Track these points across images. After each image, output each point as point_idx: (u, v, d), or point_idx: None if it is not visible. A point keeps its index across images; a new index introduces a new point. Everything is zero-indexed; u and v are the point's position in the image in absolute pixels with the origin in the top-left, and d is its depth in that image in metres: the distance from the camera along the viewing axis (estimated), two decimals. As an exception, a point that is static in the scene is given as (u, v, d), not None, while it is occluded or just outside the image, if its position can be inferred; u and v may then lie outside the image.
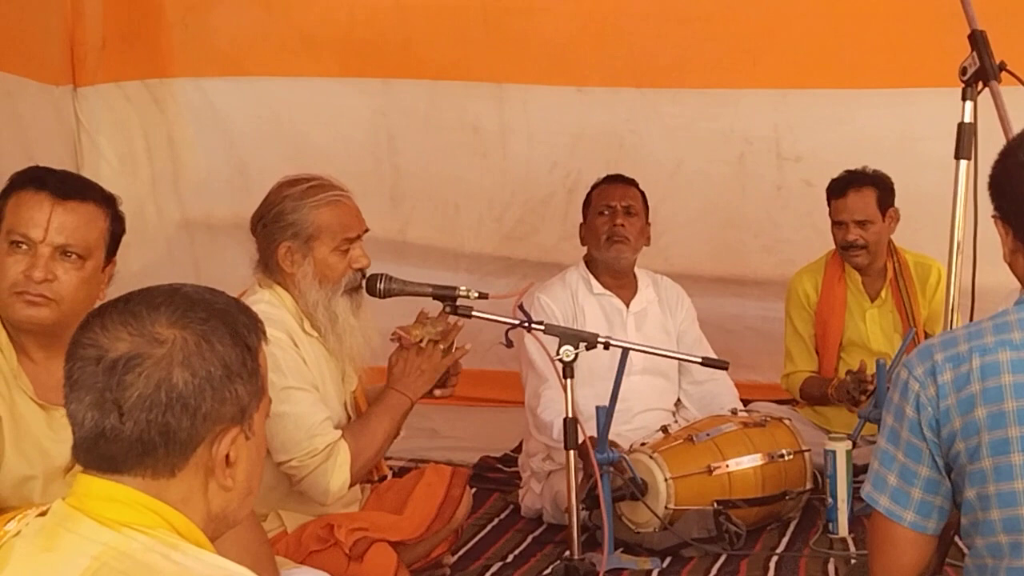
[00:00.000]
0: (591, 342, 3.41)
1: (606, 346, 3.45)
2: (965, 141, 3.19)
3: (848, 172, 4.68)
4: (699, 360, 3.53)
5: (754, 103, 5.26)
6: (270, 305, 3.25)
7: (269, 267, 3.32)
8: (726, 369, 3.54)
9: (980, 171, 3.75)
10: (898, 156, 5.15)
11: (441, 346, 3.36)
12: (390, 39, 5.41)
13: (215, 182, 5.54)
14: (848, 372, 4.48)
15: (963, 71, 3.23)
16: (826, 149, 5.22)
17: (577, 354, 3.40)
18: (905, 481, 2.35)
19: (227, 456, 1.59)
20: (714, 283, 5.24)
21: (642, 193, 4.45)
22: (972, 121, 3.21)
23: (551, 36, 5.32)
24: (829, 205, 4.69)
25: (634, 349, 3.59)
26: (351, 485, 3.27)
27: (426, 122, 5.50)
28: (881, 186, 4.66)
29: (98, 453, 1.55)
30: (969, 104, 3.21)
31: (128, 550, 1.49)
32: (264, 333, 1.69)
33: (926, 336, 4.64)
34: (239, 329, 1.62)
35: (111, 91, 5.42)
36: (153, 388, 1.53)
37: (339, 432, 3.23)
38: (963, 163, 3.23)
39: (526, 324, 3.45)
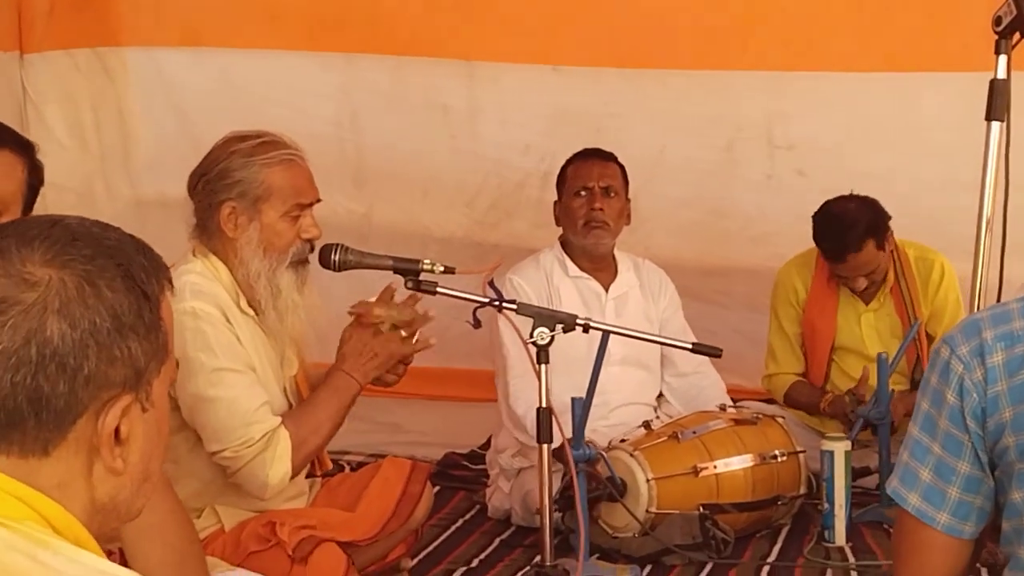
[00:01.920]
0: (568, 323, 3.03)
1: (585, 328, 3.07)
2: (998, 100, 2.84)
3: (835, 224, 4.16)
4: (689, 346, 3.15)
5: (744, 86, 4.88)
6: (202, 277, 2.88)
7: (207, 231, 2.95)
8: (719, 356, 3.17)
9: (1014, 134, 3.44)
10: (898, 144, 4.84)
11: (403, 333, 2.98)
12: (355, 12, 5.03)
13: (168, 159, 5.12)
14: (849, 391, 4.12)
15: (997, 20, 2.89)
16: (821, 137, 4.87)
17: (552, 337, 3.02)
18: (941, 478, 2.00)
19: (117, 431, 1.24)
20: (697, 275, 4.86)
21: (621, 168, 4.10)
22: (1006, 78, 2.84)
23: (526, 11, 4.95)
24: (824, 256, 4.29)
25: (617, 332, 3.21)
26: (292, 477, 2.88)
27: (392, 100, 5.11)
28: (876, 230, 4.19)
29: None
30: (1003, 58, 2.85)
31: None
32: (170, 281, 1.33)
33: (928, 339, 4.28)
34: (134, 271, 1.27)
35: (59, 59, 5.05)
36: (21, 342, 1.19)
37: (278, 419, 2.86)
38: (995, 125, 2.88)
39: (497, 303, 3.07)
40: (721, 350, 3.16)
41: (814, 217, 4.24)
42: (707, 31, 4.88)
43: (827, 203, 4.23)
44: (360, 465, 4.42)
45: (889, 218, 4.24)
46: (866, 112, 4.86)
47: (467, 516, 4.09)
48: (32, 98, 5.00)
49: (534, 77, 4.98)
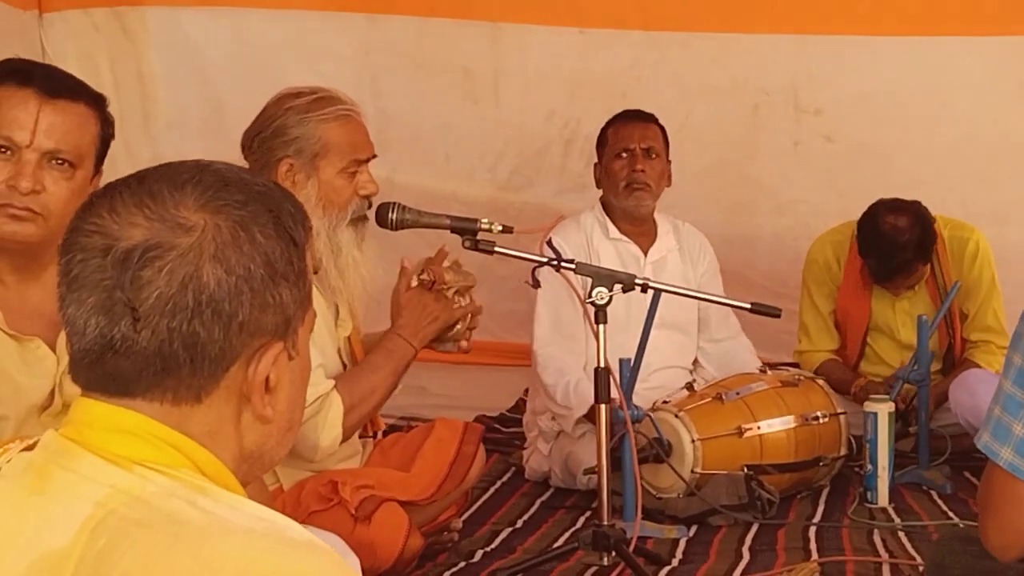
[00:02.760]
0: (628, 283, 3.02)
1: (644, 288, 3.06)
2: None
3: (884, 246, 4.05)
4: (748, 306, 3.15)
5: (770, 50, 4.88)
6: None
7: None
8: (778, 316, 3.16)
9: None
10: (925, 109, 4.87)
11: (460, 300, 2.97)
12: (377, -28, 4.99)
13: (188, 120, 5.10)
14: (885, 380, 4.12)
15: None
16: (848, 102, 4.88)
17: (611, 297, 3.01)
18: None
19: (267, 379, 1.23)
20: (722, 244, 4.83)
21: (662, 129, 4.09)
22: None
23: (553, -29, 4.92)
24: (868, 272, 4.22)
25: (675, 292, 3.20)
26: (343, 441, 2.87)
27: (413, 63, 5.07)
28: (925, 250, 4.12)
29: (104, 370, 1.18)
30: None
31: (143, 494, 1.12)
32: (311, 228, 1.32)
33: (962, 315, 4.27)
34: (284, 218, 1.25)
35: (78, 18, 4.97)
36: (177, 287, 1.17)
37: (331, 382, 2.84)
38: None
39: (555, 262, 3.05)
40: (780, 310, 3.16)
41: (861, 225, 4.17)
42: (732, -7, 4.87)
43: (876, 214, 4.11)
44: (392, 429, 4.41)
45: (933, 220, 4.16)
46: (892, 76, 4.86)
47: (504, 478, 4.08)
48: (51, 58, 4.92)
49: (560, 39, 4.95)
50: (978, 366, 4.16)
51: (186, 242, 1.18)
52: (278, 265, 1.23)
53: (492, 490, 3.94)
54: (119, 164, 5.00)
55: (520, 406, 4.51)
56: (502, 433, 4.50)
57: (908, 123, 4.85)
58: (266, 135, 2.92)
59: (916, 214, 4.09)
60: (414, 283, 2.97)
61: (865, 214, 4.17)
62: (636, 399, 3.67)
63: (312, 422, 2.80)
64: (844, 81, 4.87)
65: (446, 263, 3.01)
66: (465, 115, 5.12)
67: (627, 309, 3.87)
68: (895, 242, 4.05)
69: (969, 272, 4.24)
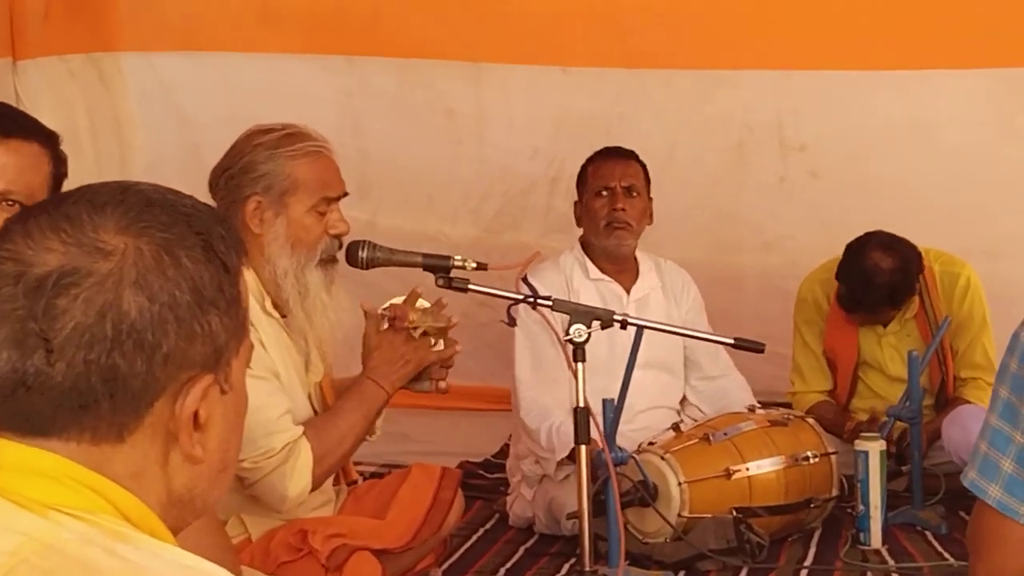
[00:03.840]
0: (606, 319, 2.93)
1: (623, 324, 2.97)
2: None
3: (859, 279, 3.98)
4: (731, 341, 3.06)
5: (755, 85, 4.80)
6: None
7: None
8: (762, 352, 3.07)
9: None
10: (912, 144, 4.77)
11: (432, 341, 2.88)
12: (357, 13, 4.91)
13: (166, 166, 5.01)
14: (870, 420, 4.02)
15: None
16: (834, 137, 4.79)
17: (590, 334, 2.92)
18: None
19: (196, 414, 1.15)
20: (707, 282, 4.75)
21: (643, 166, 4.02)
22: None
23: (533, 11, 4.84)
24: (837, 294, 4.16)
25: (655, 328, 3.11)
26: (312, 490, 2.77)
27: (395, 104, 5.00)
28: (898, 296, 4.05)
29: (16, 408, 1.09)
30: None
31: (57, 542, 1.03)
32: (246, 253, 1.23)
33: (952, 352, 4.18)
34: (214, 241, 1.17)
35: (53, 65, 4.88)
36: (95, 317, 1.08)
37: (300, 429, 2.74)
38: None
39: (531, 299, 2.97)
40: (763, 345, 3.07)
41: (848, 248, 4.09)
42: (715, 29, 4.79)
43: (865, 245, 4.03)
44: (372, 475, 4.31)
45: (922, 270, 4.09)
46: (879, 111, 4.78)
47: (488, 525, 3.99)
48: (26, 105, 4.81)
49: (542, 79, 4.88)
50: (969, 402, 4.08)
51: (105, 268, 1.09)
52: (207, 291, 1.14)
53: (475, 537, 3.84)
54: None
55: (505, 451, 4.41)
56: (486, 479, 4.40)
57: (896, 158, 4.77)
58: (234, 172, 2.85)
59: (904, 260, 4.01)
60: (384, 325, 2.88)
61: (857, 239, 4.10)
62: (621, 441, 3.57)
63: (280, 471, 2.70)
64: (830, 116, 4.79)
65: (422, 303, 2.93)
66: (448, 156, 5.05)
67: (610, 349, 3.79)
68: (869, 281, 3.98)
69: (960, 308, 4.14)
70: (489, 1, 4.87)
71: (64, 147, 4.91)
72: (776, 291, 4.85)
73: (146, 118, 5.04)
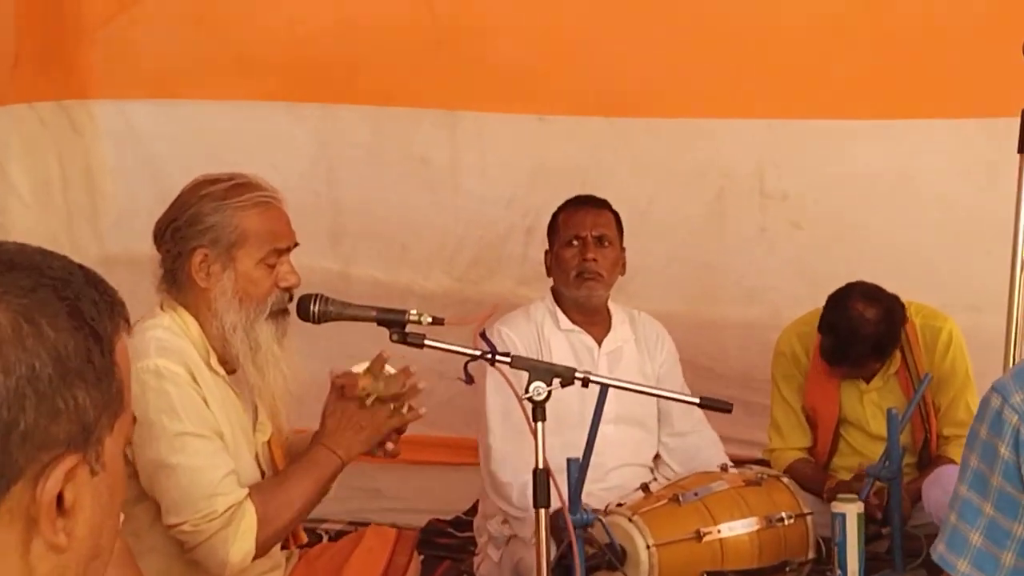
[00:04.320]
0: (567, 377, 2.79)
1: (584, 383, 2.83)
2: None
3: (843, 331, 3.83)
4: (696, 400, 2.92)
5: (735, 135, 4.68)
6: (169, 332, 2.64)
7: (177, 283, 2.72)
8: (729, 411, 2.93)
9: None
10: (893, 194, 4.65)
11: (391, 406, 2.75)
12: (332, 61, 4.80)
13: (137, 215, 4.86)
14: (855, 477, 3.86)
15: (1027, 47, 2.69)
16: (815, 187, 4.67)
17: (550, 392, 2.78)
18: (994, 542, 1.78)
19: (60, 498, 1.04)
20: (687, 334, 4.62)
21: (615, 215, 3.89)
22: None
23: (509, 59, 4.72)
24: (819, 346, 4.00)
25: (618, 386, 2.97)
26: (256, 556, 2.62)
27: (370, 152, 4.89)
28: (883, 350, 3.91)
29: None
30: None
31: None
32: (126, 320, 1.12)
33: (935, 409, 4.04)
34: (83, 306, 1.06)
35: (23, 112, 4.79)
36: None
37: (244, 491, 2.59)
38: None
39: (489, 355, 2.83)
40: (731, 405, 2.93)
41: (829, 299, 3.95)
42: (695, 78, 4.68)
43: (848, 296, 3.89)
44: (339, 534, 4.16)
45: (905, 321, 3.96)
46: (860, 161, 4.67)
47: (454, 587, 3.84)
48: (-5, 153, 4.77)
49: (518, 127, 4.77)
50: (952, 462, 3.93)
51: None
52: (72, 363, 1.04)
53: (440, 600, 3.70)
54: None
55: (477, 508, 4.26)
56: (456, 538, 4.25)
57: (878, 208, 4.65)
58: (180, 224, 2.73)
59: (888, 310, 3.87)
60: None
61: (839, 290, 3.95)
62: (592, 500, 3.43)
63: (222, 534, 2.56)
64: (811, 165, 4.67)
65: (389, 369, 2.79)
66: (423, 205, 4.93)
67: (581, 402, 3.64)
68: (855, 332, 3.83)
69: (941, 363, 3.99)
70: (465, 48, 4.75)
71: (33, 195, 4.89)
72: (758, 342, 4.72)
73: (118, 166, 4.94)
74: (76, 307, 1.05)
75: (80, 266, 1.11)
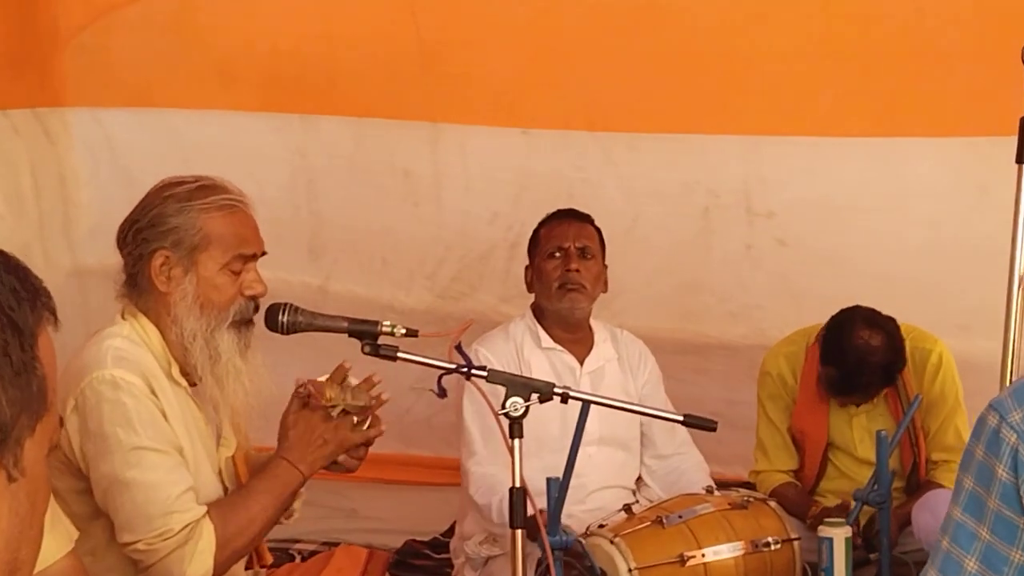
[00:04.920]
0: (545, 392, 2.62)
1: (564, 398, 2.66)
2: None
3: (852, 363, 3.66)
4: (680, 418, 2.76)
5: (721, 151, 4.54)
6: (128, 341, 2.48)
7: (138, 287, 2.56)
8: (714, 430, 2.77)
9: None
10: (884, 213, 4.52)
11: (355, 419, 2.58)
12: (313, 72, 4.66)
13: (112, 226, 4.62)
14: (839, 507, 3.70)
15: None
16: (802, 205, 4.52)
17: (527, 408, 2.62)
18: (990, 568, 1.65)
19: None
20: (672, 353, 4.46)
21: (598, 230, 3.74)
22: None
23: (493, 71, 4.59)
24: (825, 380, 3.82)
25: (598, 403, 2.81)
26: None
27: (351, 165, 4.73)
28: (892, 377, 3.76)
29: None
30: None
31: None
32: (52, 312, 1.02)
33: (924, 433, 3.89)
34: (1, 295, 0.96)
35: (-4, 120, 4.64)
36: None
37: (203, 509, 2.43)
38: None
39: (464, 369, 2.67)
40: (716, 423, 2.77)
41: (830, 329, 3.78)
42: (682, 94, 4.53)
43: (850, 324, 3.72)
44: (312, 555, 3.99)
45: (903, 342, 3.80)
46: (848, 178, 4.53)
47: (429, 610, 3.67)
48: (-34, 161, 4.60)
49: (502, 140, 4.62)
50: (942, 486, 3.78)
51: None
52: None
53: (414, 624, 3.53)
54: (36, 272, 4.73)
55: (455, 529, 4.09)
56: (432, 559, 4.08)
57: (866, 227, 4.51)
58: (142, 224, 2.58)
59: (891, 335, 3.70)
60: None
61: (837, 318, 3.77)
62: (572, 522, 3.27)
63: (178, 553, 2.39)
64: (798, 183, 4.53)
65: (351, 380, 2.63)
66: (404, 218, 4.78)
67: (563, 425, 3.49)
68: (863, 361, 3.66)
69: (931, 386, 3.83)
70: (448, 60, 4.62)
71: (5, 205, 4.71)
72: (744, 361, 4.58)
73: (92, 176, 4.78)
74: None
75: (1, 251, 1.00)
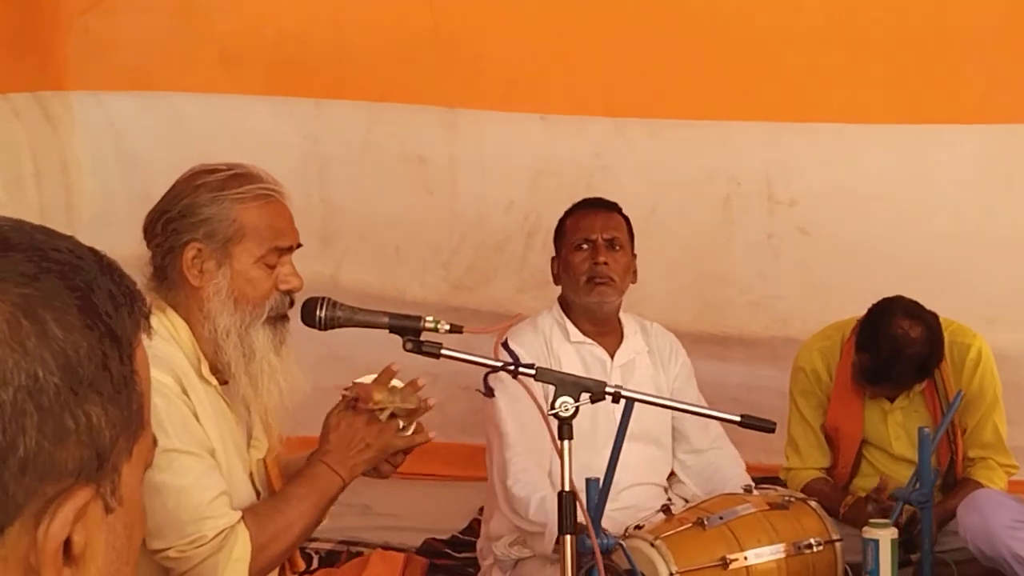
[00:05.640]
0: (597, 392, 2.47)
1: (615, 398, 2.50)
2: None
3: (891, 353, 3.50)
4: (737, 419, 2.61)
5: (743, 138, 4.40)
6: (157, 337, 2.26)
7: (167, 281, 2.38)
8: (773, 431, 2.62)
9: None
10: (908, 201, 4.40)
11: (401, 423, 2.43)
12: (324, 53, 4.50)
13: (115, 213, 4.54)
14: (869, 496, 3.55)
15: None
16: (825, 193, 4.40)
17: (578, 408, 2.46)
18: None
19: (69, 542, 0.81)
20: (692, 343, 4.31)
21: (626, 219, 3.58)
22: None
23: (511, 56, 4.44)
24: (859, 368, 3.66)
25: (652, 403, 2.65)
26: None
27: (363, 151, 4.57)
28: (928, 371, 3.60)
29: None
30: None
31: None
32: (148, 318, 0.89)
33: (960, 429, 3.74)
34: (98, 299, 0.84)
35: (-4, 103, 4.46)
36: None
37: (237, 514, 2.26)
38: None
39: (512, 367, 2.51)
40: (774, 424, 2.62)
41: (869, 317, 3.62)
42: (703, 79, 4.40)
43: (891, 313, 3.56)
44: (330, 554, 3.83)
45: (943, 338, 3.64)
46: (872, 166, 4.40)
47: (454, 613, 3.51)
48: (-35, 146, 4.41)
49: (520, 126, 4.47)
50: (980, 484, 3.64)
51: None
52: (84, 370, 0.82)
53: (441, 628, 3.37)
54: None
55: (475, 527, 3.93)
56: (454, 559, 3.91)
57: (890, 215, 4.37)
58: (172, 215, 2.39)
59: (931, 329, 3.55)
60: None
61: (878, 306, 3.62)
62: (606, 522, 3.11)
63: (211, 561, 2.22)
64: (820, 171, 4.40)
65: (395, 383, 2.47)
66: (418, 206, 4.62)
67: (592, 421, 3.33)
68: (901, 352, 3.51)
69: (970, 382, 3.67)
70: (464, 44, 4.46)
71: (5, 191, 4.52)
72: (765, 352, 4.46)
73: (95, 161, 4.61)
74: (89, 300, 0.83)
75: (92, 249, 0.88)
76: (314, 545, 3.94)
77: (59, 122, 4.57)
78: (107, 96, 4.57)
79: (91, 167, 4.60)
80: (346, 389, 2.41)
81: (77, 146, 4.60)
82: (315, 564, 3.68)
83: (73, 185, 4.62)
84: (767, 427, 2.58)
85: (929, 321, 3.56)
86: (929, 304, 3.88)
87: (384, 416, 2.39)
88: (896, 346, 3.50)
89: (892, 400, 3.73)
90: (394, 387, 2.42)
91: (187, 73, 4.55)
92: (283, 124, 4.57)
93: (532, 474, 3.30)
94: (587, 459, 3.05)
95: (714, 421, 3.59)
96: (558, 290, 3.63)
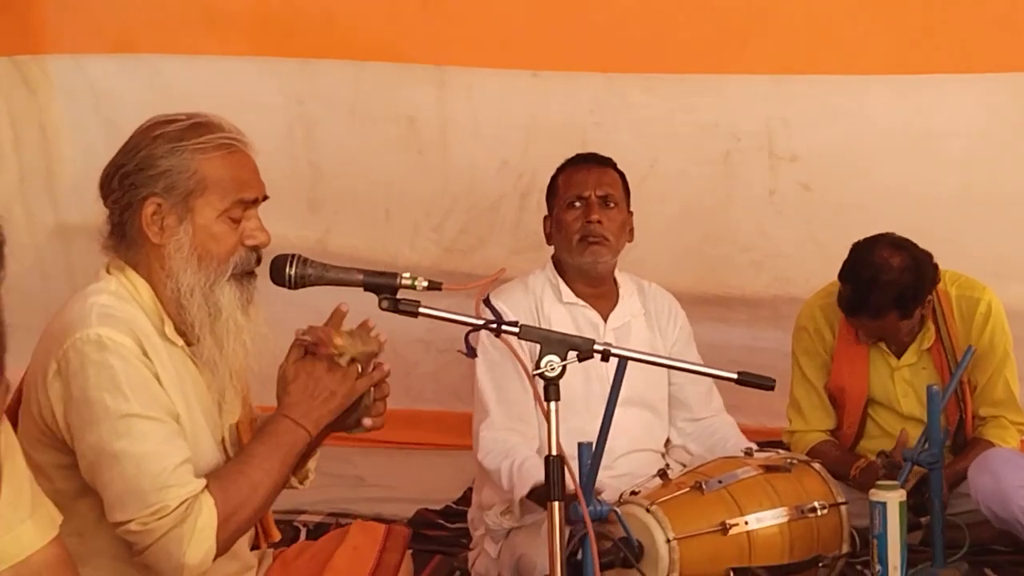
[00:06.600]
0: (584, 350, 2.30)
1: (605, 356, 2.34)
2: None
3: (864, 275, 3.41)
4: (734, 376, 2.45)
5: (742, 92, 4.26)
6: (115, 297, 2.16)
7: (126, 239, 2.23)
8: (772, 388, 2.46)
9: None
10: (911, 154, 4.26)
11: (359, 367, 2.27)
12: (309, 12, 4.35)
13: (96, 179, 4.40)
14: (880, 454, 3.40)
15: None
16: (827, 147, 4.27)
17: (564, 367, 2.30)
18: None
19: None
20: (693, 305, 4.15)
21: (621, 175, 3.41)
22: None
23: (501, 10, 4.30)
24: (838, 297, 3.55)
25: (644, 361, 2.48)
26: (218, 555, 2.13)
27: (351, 111, 4.43)
28: (906, 303, 3.45)
29: None
30: None
31: None
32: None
33: (970, 387, 3.59)
34: None
35: (-29, 69, 4.32)
36: None
37: (201, 482, 2.11)
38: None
39: (494, 325, 2.35)
40: (773, 381, 2.46)
41: (853, 248, 3.50)
42: (700, 32, 4.25)
43: (874, 243, 3.46)
44: (319, 527, 3.69)
45: (936, 282, 3.50)
46: (876, 118, 4.26)
47: (448, 585, 3.38)
48: (-58, 112, 4.27)
49: (511, 83, 4.32)
50: (991, 443, 3.48)
51: None
52: None
53: (433, 599, 3.23)
54: (18, 229, 4.37)
55: (468, 497, 3.79)
56: (447, 530, 3.76)
57: (894, 169, 4.22)
58: (129, 168, 2.24)
59: (915, 260, 3.41)
60: (301, 353, 2.27)
61: (865, 239, 3.50)
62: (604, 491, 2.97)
63: (175, 533, 2.07)
64: (822, 124, 4.26)
65: (345, 325, 2.31)
66: (409, 167, 4.48)
67: (585, 384, 3.19)
68: (877, 278, 3.37)
69: (979, 337, 3.51)
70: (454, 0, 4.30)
71: (-17, 157, 4.38)
72: (767, 311, 4.33)
73: (75, 127, 4.47)
74: None
75: None
76: (303, 518, 3.80)
77: (37, 86, 4.44)
78: (87, 59, 4.43)
79: (71, 133, 4.46)
80: (304, 334, 2.25)
81: (56, 111, 4.47)
82: (303, 537, 3.53)
83: (53, 151, 4.49)
84: (766, 384, 2.41)
85: (916, 254, 3.42)
86: (937, 258, 3.73)
87: (344, 361, 2.23)
88: (873, 273, 3.36)
89: (898, 356, 3.57)
90: (352, 331, 2.26)
91: (169, 34, 4.41)
92: (268, 85, 4.43)
93: (503, 444, 3.16)
94: (581, 425, 2.91)
95: (717, 392, 3.45)
96: (551, 252, 3.47)
